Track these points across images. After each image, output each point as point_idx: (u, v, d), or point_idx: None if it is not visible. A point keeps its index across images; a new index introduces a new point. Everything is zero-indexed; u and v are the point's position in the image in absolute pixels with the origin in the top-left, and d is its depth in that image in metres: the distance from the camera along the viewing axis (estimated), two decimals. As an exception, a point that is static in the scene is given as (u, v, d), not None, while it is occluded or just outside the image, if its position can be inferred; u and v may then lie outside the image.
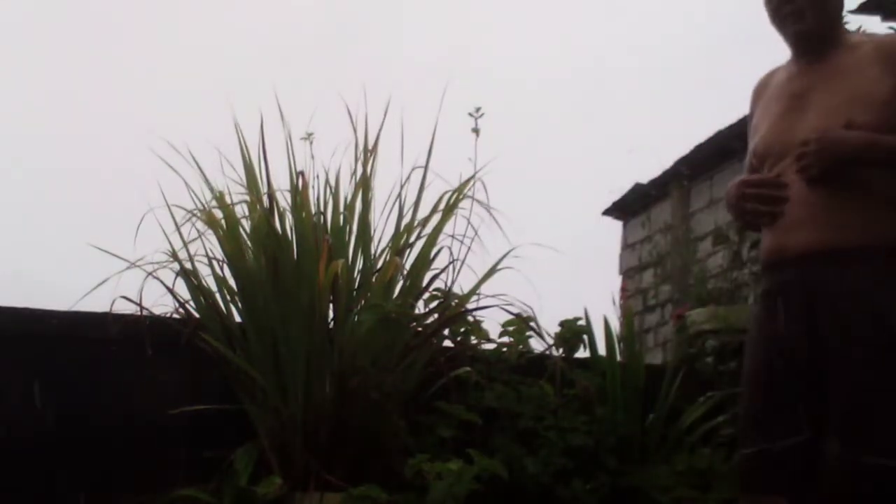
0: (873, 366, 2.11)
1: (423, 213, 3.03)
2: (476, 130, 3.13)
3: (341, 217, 3.00)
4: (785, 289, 2.24)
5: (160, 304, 2.88)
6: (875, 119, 2.18)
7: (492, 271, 3.02)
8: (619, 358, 3.16)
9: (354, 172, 3.01)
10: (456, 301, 3.00)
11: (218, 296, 2.91)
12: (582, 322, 3.17)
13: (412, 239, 3.02)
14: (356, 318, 2.81)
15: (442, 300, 3.00)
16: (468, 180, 3.04)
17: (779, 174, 2.26)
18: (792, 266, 2.24)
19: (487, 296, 3.01)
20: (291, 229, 2.89)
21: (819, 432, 2.16)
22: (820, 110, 2.24)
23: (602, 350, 3.18)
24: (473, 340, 3.05)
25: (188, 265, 2.88)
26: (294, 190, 2.90)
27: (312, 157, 3.04)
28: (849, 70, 2.27)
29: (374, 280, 2.94)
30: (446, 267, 3.03)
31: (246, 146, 2.98)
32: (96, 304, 2.78)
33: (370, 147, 3.00)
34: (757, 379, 2.31)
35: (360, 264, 2.98)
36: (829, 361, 2.16)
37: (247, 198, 2.94)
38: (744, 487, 2.32)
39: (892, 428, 2.09)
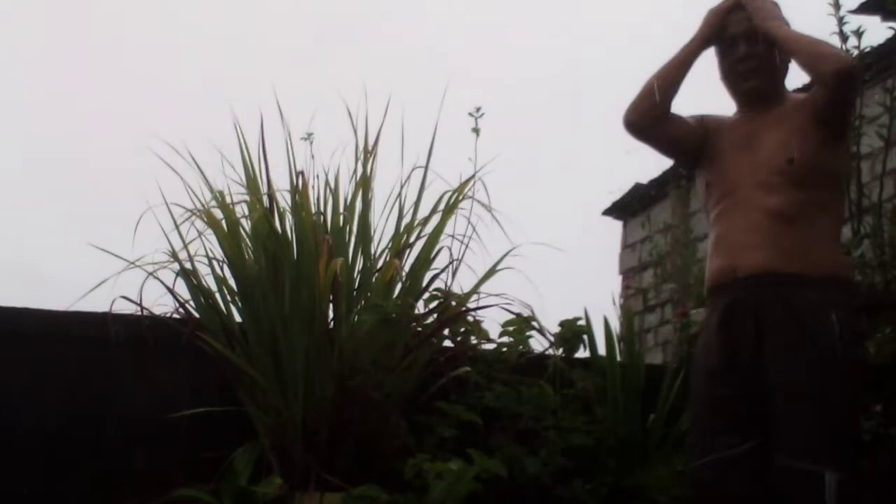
0: (805, 380, 2.37)
1: (423, 213, 3.04)
2: (476, 130, 3.14)
3: (341, 217, 3.00)
4: (734, 310, 2.53)
5: (160, 304, 2.89)
6: (813, 148, 2.52)
7: (492, 271, 3.02)
8: (619, 358, 3.16)
9: (354, 172, 3.01)
10: (456, 301, 3.00)
11: (218, 296, 2.91)
12: (582, 322, 3.17)
13: (412, 239, 3.01)
14: (356, 318, 2.81)
15: (442, 300, 3.00)
16: (468, 180, 3.05)
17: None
18: (742, 286, 2.51)
19: (487, 295, 3.02)
20: (291, 229, 2.89)
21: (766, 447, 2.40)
22: (767, 147, 2.55)
23: (602, 350, 3.18)
24: (473, 340, 3.05)
25: (188, 265, 2.88)
26: (294, 190, 2.90)
27: (312, 157, 3.05)
28: (788, 113, 2.60)
29: (374, 280, 2.94)
30: (446, 267, 3.04)
31: (246, 146, 2.98)
32: (96, 303, 2.78)
33: (370, 147, 3.00)
34: (706, 401, 2.57)
35: (360, 264, 2.98)
36: (771, 377, 2.41)
37: (247, 198, 2.93)
38: (696, 499, 2.55)
39: (810, 434, 2.34)
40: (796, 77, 2.80)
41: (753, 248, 2.50)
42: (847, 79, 2.45)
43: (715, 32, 2.66)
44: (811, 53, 2.48)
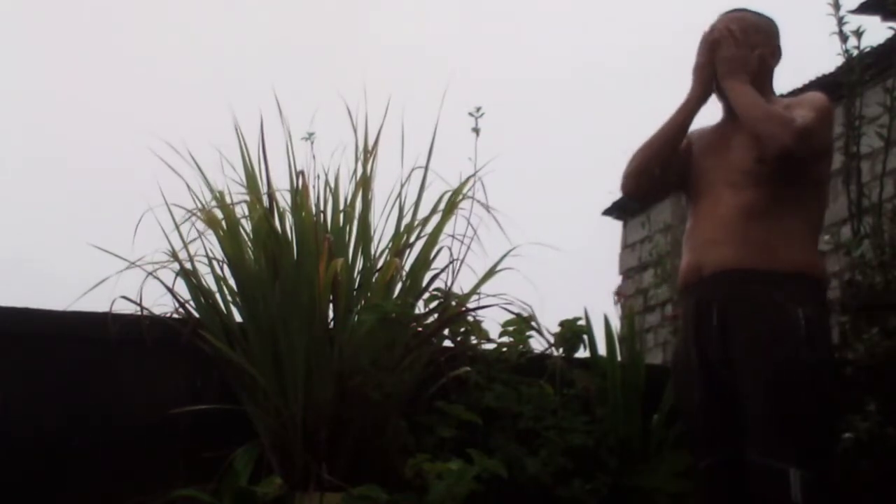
0: (769, 379, 2.37)
1: (423, 213, 3.04)
2: (476, 130, 3.14)
3: (341, 217, 3.00)
4: (701, 309, 2.52)
5: (160, 304, 2.89)
6: None
7: (492, 271, 3.02)
8: (619, 358, 3.16)
9: (354, 172, 3.01)
10: (456, 301, 3.00)
11: (218, 296, 2.91)
12: (582, 322, 3.17)
13: (412, 239, 3.02)
14: (356, 318, 2.81)
15: (442, 300, 3.00)
16: (468, 180, 3.05)
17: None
18: (708, 284, 2.51)
19: (487, 295, 3.02)
20: (291, 229, 2.89)
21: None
22: (738, 147, 2.56)
23: (602, 350, 3.18)
24: (473, 340, 3.05)
25: (188, 265, 2.88)
26: (294, 190, 2.90)
27: (313, 157, 3.05)
28: None
29: (374, 280, 2.94)
30: (446, 267, 3.03)
31: (246, 146, 2.98)
32: (96, 303, 2.79)
33: (370, 147, 3.01)
34: (688, 404, 2.59)
35: (360, 264, 2.98)
36: (736, 375, 2.42)
37: (247, 198, 2.94)
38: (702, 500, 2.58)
39: (775, 432, 2.34)
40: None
41: (719, 244, 2.50)
42: (784, 157, 2.45)
43: (711, 86, 2.65)
44: (755, 129, 2.49)
